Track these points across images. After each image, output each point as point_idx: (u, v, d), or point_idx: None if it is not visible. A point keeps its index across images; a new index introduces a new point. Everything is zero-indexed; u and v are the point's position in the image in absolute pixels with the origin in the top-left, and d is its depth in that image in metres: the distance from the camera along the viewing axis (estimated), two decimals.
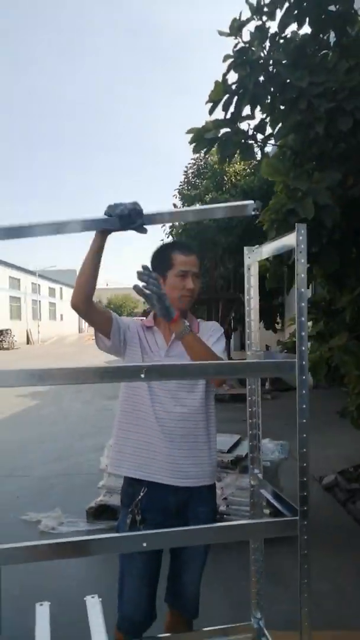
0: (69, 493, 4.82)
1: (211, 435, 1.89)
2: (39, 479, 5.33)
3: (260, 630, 1.85)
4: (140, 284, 1.68)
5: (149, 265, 1.82)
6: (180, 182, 15.79)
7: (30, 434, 7.59)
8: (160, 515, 1.81)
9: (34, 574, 3.17)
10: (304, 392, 1.38)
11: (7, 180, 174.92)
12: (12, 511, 4.25)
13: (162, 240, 13.76)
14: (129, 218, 1.53)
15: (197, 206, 12.50)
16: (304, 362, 1.38)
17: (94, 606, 1.73)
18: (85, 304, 1.72)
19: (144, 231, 1.58)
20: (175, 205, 15.47)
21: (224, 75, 3.36)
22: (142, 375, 1.28)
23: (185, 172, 15.80)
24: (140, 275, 1.66)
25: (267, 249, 1.78)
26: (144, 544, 1.27)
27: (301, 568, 1.40)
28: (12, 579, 2.98)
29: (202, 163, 14.49)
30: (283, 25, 3.33)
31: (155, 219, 1.59)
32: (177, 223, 14.16)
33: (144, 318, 2.01)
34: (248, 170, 12.50)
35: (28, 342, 37.56)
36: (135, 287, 1.70)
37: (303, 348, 1.38)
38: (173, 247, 1.93)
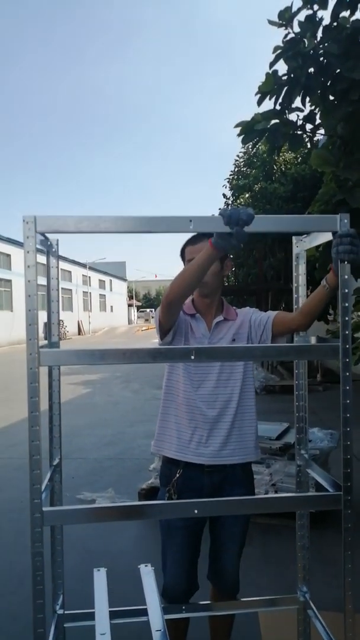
0: (121, 475, 5.03)
1: (246, 416, 1.93)
2: (92, 461, 5.58)
3: (307, 603, 1.93)
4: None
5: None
6: (231, 171, 15.70)
7: (83, 420, 7.88)
8: (196, 496, 1.87)
9: (90, 553, 3.36)
10: (347, 374, 1.44)
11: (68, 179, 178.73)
12: (68, 491, 4.48)
13: None
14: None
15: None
16: (347, 346, 1.44)
17: (147, 573, 1.85)
18: (182, 302, 1.79)
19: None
20: (224, 195, 15.35)
21: (271, 64, 3.36)
22: (192, 357, 1.38)
23: (236, 161, 15.71)
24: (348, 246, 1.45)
25: (315, 239, 1.83)
26: (195, 511, 1.38)
27: (344, 541, 1.47)
28: (72, 553, 3.18)
29: (252, 152, 14.38)
30: (335, 15, 3.28)
31: None
32: None
33: None
34: (300, 158, 12.32)
35: (79, 332, 38.55)
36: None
37: (347, 332, 1.44)
38: (187, 241, 2.00)
